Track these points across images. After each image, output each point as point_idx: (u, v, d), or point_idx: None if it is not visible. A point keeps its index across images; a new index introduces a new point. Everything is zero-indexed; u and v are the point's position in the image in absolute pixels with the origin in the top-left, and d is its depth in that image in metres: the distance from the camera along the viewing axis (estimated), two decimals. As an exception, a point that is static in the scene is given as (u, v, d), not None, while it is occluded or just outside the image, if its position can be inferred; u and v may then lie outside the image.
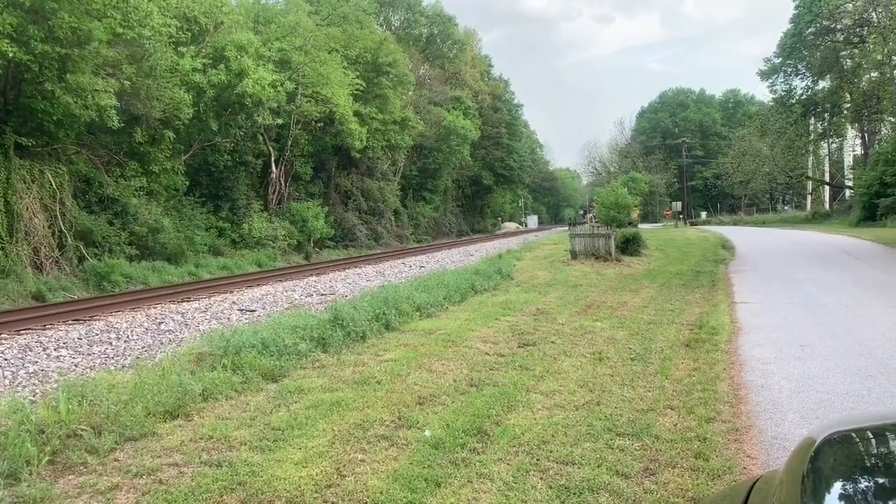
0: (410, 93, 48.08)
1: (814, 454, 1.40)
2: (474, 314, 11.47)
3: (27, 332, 11.63)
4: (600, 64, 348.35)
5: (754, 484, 1.56)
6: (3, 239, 17.35)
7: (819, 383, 6.73)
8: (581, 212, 75.73)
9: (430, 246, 43.10)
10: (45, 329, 11.90)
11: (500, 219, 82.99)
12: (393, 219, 47.64)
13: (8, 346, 10.23)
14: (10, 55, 16.12)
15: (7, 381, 8.16)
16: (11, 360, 9.22)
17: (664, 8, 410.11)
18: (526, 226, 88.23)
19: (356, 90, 34.89)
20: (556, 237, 37.81)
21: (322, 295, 16.16)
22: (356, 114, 34.59)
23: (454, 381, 7.00)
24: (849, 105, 51.05)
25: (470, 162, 61.38)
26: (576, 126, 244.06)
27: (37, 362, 9.15)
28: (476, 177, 68.39)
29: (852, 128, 56.22)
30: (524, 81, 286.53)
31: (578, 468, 4.63)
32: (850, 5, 45.06)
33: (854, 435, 1.54)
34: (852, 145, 60.26)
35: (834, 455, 1.46)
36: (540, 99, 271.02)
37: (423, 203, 55.52)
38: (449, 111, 54.76)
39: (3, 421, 5.11)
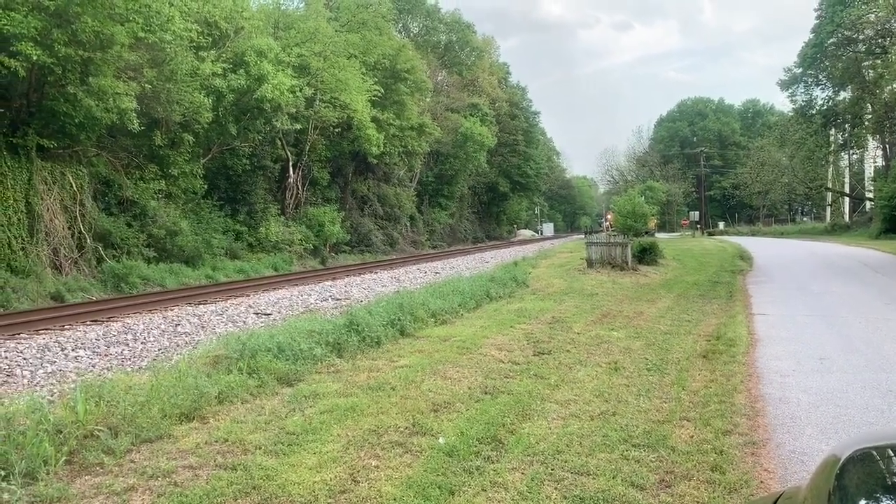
0: (428, 99, 48.21)
1: (839, 471, 1.38)
2: (489, 321, 11.44)
3: (46, 332, 11.75)
4: (618, 72, 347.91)
5: (776, 501, 1.54)
6: (23, 239, 17.55)
7: (838, 397, 6.65)
8: (598, 220, 75.56)
9: (446, 252, 43.12)
10: (63, 329, 12.02)
11: (515, 226, 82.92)
12: (409, 224, 47.74)
13: (27, 345, 10.34)
14: (35, 58, 16.34)
15: (26, 381, 8.25)
16: (30, 360, 9.32)
17: (682, 16, 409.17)
18: (541, 233, 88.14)
19: (374, 96, 35.03)
20: (572, 245, 37.68)
21: (337, 300, 16.20)
22: (373, 119, 34.72)
23: (469, 388, 6.98)
24: (870, 116, 50.54)
25: (486, 169, 61.38)
26: (593, 134, 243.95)
27: (55, 362, 9.24)
28: (492, 184, 68.39)
29: (873, 139, 55.64)
30: (541, 88, 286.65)
31: (593, 479, 4.60)
32: (873, 16, 44.66)
33: (880, 452, 1.52)
34: (873, 156, 59.69)
35: (859, 472, 1.44)
36: (557, 106, 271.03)
37: (439, 209, 55.58)
38: (466, 118, 54.84)
39: (22, 420, 5.15)
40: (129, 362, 9.28)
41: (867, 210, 57.70)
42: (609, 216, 44.29)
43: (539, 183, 78.40)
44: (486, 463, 4.91)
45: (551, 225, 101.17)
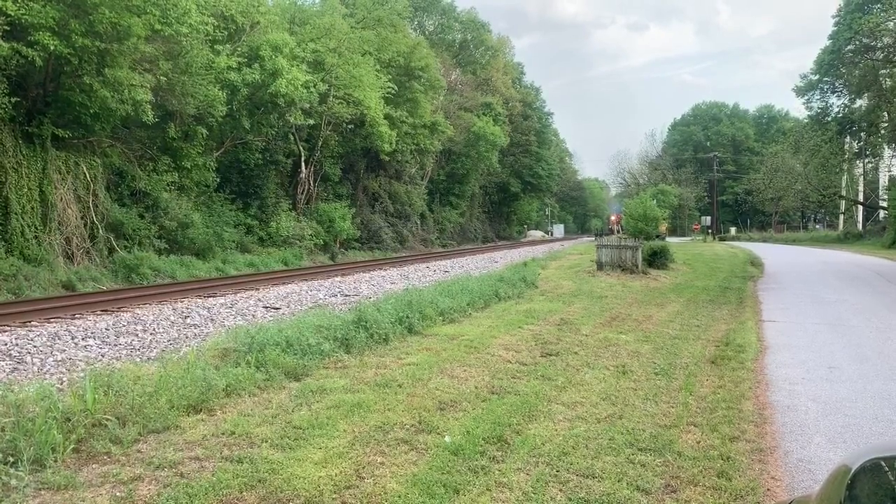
0: (441, 97, 48.20)
1: (850, 481, 1.36)
2: (497, 321, 11.43)
3: (56, 320, 11.84)
4: (632, 74, 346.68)
5: None
6: (37, 228, 17.69)
7: (847, 406, 6.60)
8: (607, 224, 75.34)
9: (455, 251, 43.11)
10: (73, 318, 12.10)
11: (525, 227, 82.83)
12: (419, 223, 47.75)
13: (38, 333, 10.41)
14: (52, 48, 16.46)
15: (36, 368, 8.30)
16: (41, 348, 9.39)
17: (698, 19, 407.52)
18: (552, 235, 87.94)
19: (387, 93, 35.05)
20: (583, 247, 37.61)
21: (346, 296, 16.23)
22: (386, 117, 34.75)
23: (475, 387, 6.97)
24: (886, 125, 50.14)
25: (498, 168, 61.32)
26: (605, 136, 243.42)
27: (65, 351, 9.29)
28: (503, 184, 68.32)
29: (889, 148, 55.17)
30: (555, 89, 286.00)
31: (599, 482, 4.59)
32: (892, 23, 44.25)
33: (891, 463, 1.50)
34: (888, 165, 59.16)
35: (870, 483, 1.42)
36: (570, 107, 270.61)
37: (450, 208, 55.56)
38: (479, 117, 54.79)
39: (31, 407, 5.18)
40: (138, 353, 9.32)
41: (881, 219, 57.26)
42: (614, 217, 43.93)
43: (550, 184, 78.22)
44: (491, 463, 4.91)
45: (562, 226, 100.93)
